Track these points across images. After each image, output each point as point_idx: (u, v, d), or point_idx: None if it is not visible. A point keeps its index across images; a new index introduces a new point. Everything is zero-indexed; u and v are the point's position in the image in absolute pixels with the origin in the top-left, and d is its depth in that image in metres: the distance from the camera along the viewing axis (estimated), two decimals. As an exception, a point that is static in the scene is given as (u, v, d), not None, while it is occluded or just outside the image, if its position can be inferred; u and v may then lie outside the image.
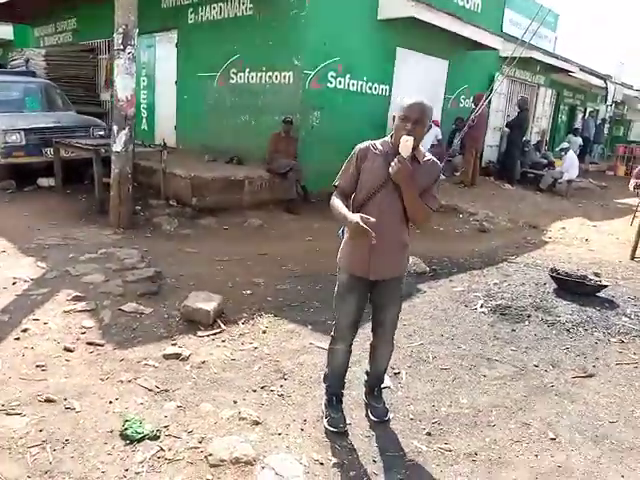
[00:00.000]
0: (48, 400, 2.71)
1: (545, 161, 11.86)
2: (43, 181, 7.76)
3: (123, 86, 5.99)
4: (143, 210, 6.85)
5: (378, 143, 2.52)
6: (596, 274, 5.27)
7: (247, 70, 8.76)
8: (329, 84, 8.35)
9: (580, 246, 6.88)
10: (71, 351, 3.25)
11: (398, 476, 2.32)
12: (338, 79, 8.46)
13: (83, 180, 8.02)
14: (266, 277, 4.83)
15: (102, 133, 8.30)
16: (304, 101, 8.09)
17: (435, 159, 2.53)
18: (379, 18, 8.82)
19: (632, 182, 8.02)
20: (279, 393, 2.93)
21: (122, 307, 3.86)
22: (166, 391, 2.90)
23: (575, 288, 4.61)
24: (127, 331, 3.57)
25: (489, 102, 10.45)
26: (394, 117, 2.43)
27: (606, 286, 4.64)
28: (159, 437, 2.48)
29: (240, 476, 2.24)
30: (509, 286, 4.83)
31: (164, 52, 10.50)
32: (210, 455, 2.34)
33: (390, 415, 2.74)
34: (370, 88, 9.09)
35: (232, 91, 9.07)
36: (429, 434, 2.63)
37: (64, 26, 13.78)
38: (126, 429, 2.49)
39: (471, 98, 11.31)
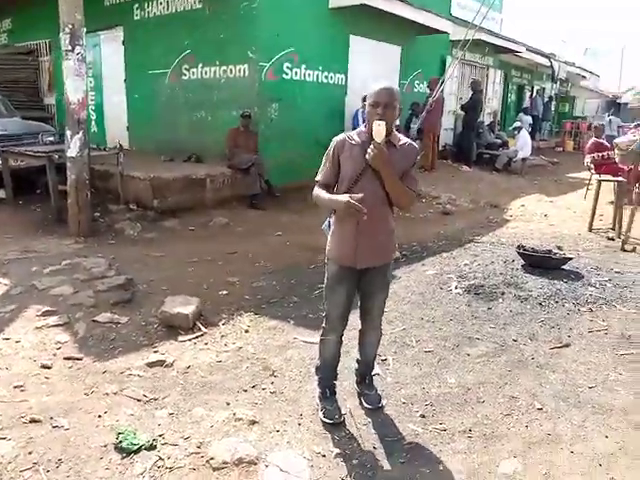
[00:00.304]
0: (33, 420, 2.61)
1: (499, 141, 12.20)
2: (-8, 193, 7.38)
3: (74, 88, 5.77)
4: (103, 216, 6.65)
5: (354, 134, 2.53)
6: (559, 247, 5.47)
7: (200, 65, 8.60)
8: (285, 75, 8.30)
9: (540, 222, 7.14)
10: (49, 368, 3.13)
11: (400, 460, 2.36)
12: (294, 70, 8.42)
13: (35, 189, 7.69)
14: (240, 275, 4.79)
15: (52, 139, 7.97)
16: (261, 94, 8.02)
17: (412, 142, 2.55)
18: (330, 6, 8.82)
19: (587, 157, 8.36)
20: (271, 391, 2.92)
21: (96, 318, 3.75)
22: (155, 399, 2.84)
23: (542, 263, 4.78)
24: (105, 342, 3.47)
25: (436, 85, 10.65)
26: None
27: (571, 258, 4.84)
28: (156, 447, 2.43)
29: (245, 476, 2.23)
30: (479, 266, 4.96)
31: (110, 50, 10.15)
32: (212, 459, 2.31)
33: (383, 401, 2.78)
34: (326, 77, 9.08)
35: (185, 87, 8.88)
36: (423, 416, 2.69)
37: (-3, 27, 13.10)
38: (120, 442, 2.43)
39: (425, 83, 11.48)
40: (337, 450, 2.41)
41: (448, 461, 2.35)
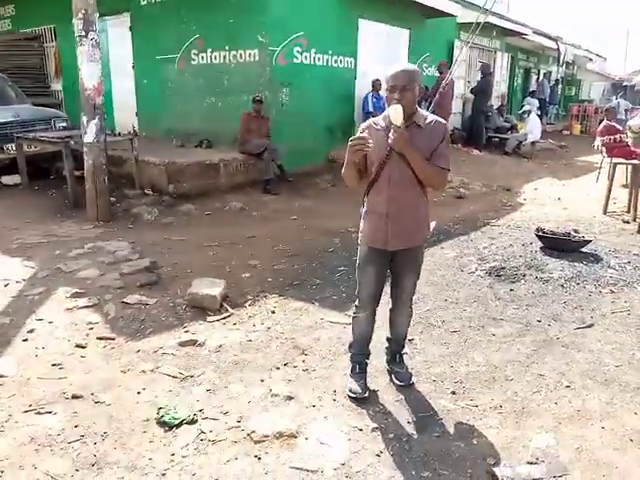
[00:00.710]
0: (75, 396, 2.69)
1: (508, 125, 12.16)
2: (7, 179, 7.42)
3: (89, 74, 5.77)
4: (119, 201, 6.71)
5: (379, 119, 2.55)
6: (575, 230, 5.49)
7: (209, 50, 8.57)
8: (295, 60, 8.28)
9: (554, 205, 7.16)
10: (84, 347, 3.21)
11: (434, 434, 2.43)
12: (304, 54, 8.40)
13: (48, 175, 7.75)
14: (261, 259, 4.84)
15: (64, 125, 8.00)
16: (272, 78, 8.01)
17: (439, 119, 2.54)
18: (339, -10, 8.74)
19: (597, 140, 8.35)
20: (303, 368, 2.99)
21: (125, 299, 3.82)
22: (191, 377, 2.91)
23: (561, 245, 4.82)
24: (135, 322, 3.54)
25: (446, 68, 10.60)
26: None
27: (590, 241, 4.87)
28: (196, 421, 2.50)
29: (286, 449, 2.30)
30: (498, 248, 5.01)
31: (117, 36, 10.08)
32: (253, 432, 2.38)
33: (414, 379, 2.84)
34: (336, 61, 9.05)
35: (195, 73, 8.86)
36: (454, 393, 2.76)
37: (1, 13, 13.00)
38: (162, 416, 2.50)
39: (433, 66, 11.42)
40: (373, 424, 2.48)
41: (481, 436, 2.42)
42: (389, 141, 2.35)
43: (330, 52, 8.85)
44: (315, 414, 2.55)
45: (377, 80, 9.25)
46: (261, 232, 5.80)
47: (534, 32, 14.55)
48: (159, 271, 4.41)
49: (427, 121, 2.47)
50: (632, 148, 8.19)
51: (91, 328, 3.45)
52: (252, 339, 3.37)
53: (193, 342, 3.29)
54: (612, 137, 8.37)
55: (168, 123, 9.31)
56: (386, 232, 2.51)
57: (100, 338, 3.33)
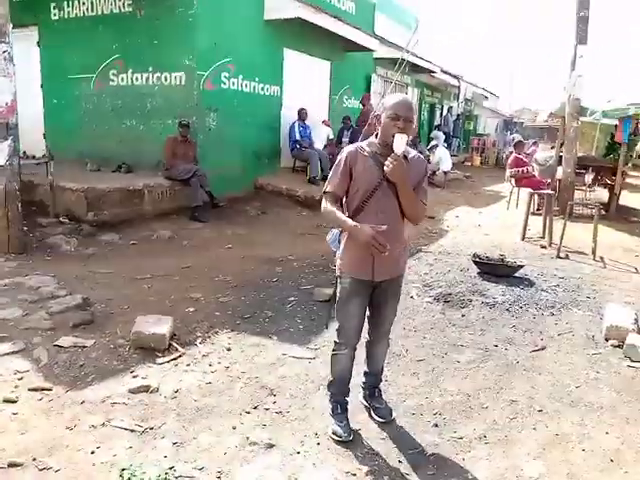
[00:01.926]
0: (13, 464, 2.28)
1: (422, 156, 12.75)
2: None
3: (1, 90, 5.22)
4: (31, 231, 6.04)
5: (364, 145, 2.49)
6: (501, 255, 5.79)
7: (130, 71, 8.16)
8: (223, 85, 8.13)
9: (476, 232, 7.53)
10: (14, 402, 2.77)
11: (428, 472, 2.34)
12: (231, 80, 8.27)
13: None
14: (203, 291, 4.56)
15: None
16: (200, 103, 7.77)
17: (420, 155, 2.57)
18: (265, 18, 8.78)
19: (508, 172, 8.99)
20: (276, 411, 2.78)
21: (58, 342, 3.39)
22: (151, 429, 2.60)
23: (496, 270, 5.04)
24: (74, 369, 3.13)
25: (368, 101, 10.99)
26: (376, 116, 2.44)
27: (523, 266, 5.14)
28: (169, 481, 2.21)
29: (279, 505, 2.09)
30: (438, 274, 5.13)
31: (22, 52, 9.27)
32: (239, 489, 2.14)
33: (394, 413, 2.75)
34: (262, 89, 9.01)
35: (114, 94, 8.38)
36: (436, 425, 2.70)
37: None
38: (129, 479, 2.18)
39: (353, 98, 11.78)
40: (365, 467, 2.34)
41: (474, 469, 2.37)
42: (385, 169, 2.29)
43: (257, 79, 8.80)
44: (302, 462, 2.36)
45: (303, 109, 9.35)
46: (196, 262, 5.49)
47: (441, 70, 15.57)
48: (92, 309, 3.98)
49: (411, 155, 2.46)
50: (539, 178, 8.94)
51: (20, 378, 2.99)
52: (211, 381, 3.10)
53: (146, 388, 2.96)
54: (520, 169, 9.07)
55: (80, 146, 8.64)
56: (372, 263, 2.43)
57: (33, 389, 2.89)
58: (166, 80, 7.85)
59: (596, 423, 2.75)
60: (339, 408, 2.63)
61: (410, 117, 2.35)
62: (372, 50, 11.25)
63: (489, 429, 2.68)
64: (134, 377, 3.08)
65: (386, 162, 2.28)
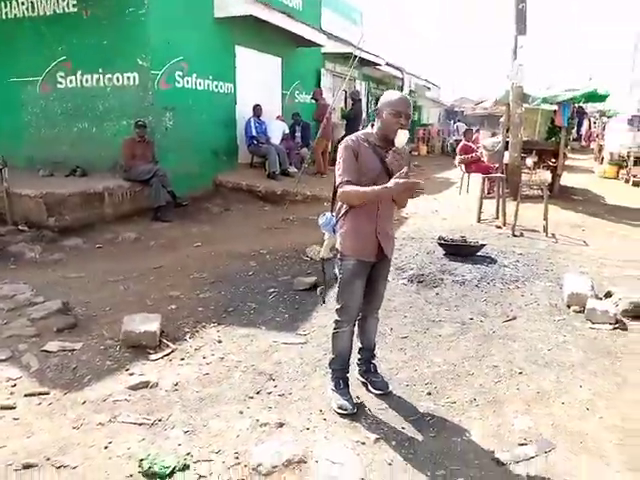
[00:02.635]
0: (28, 466, 2.29)
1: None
2: None
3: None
4: (-12, 240, 5.83)
5: (363, 136, 2.63)
6: (463, 237, 6.11)
7: (79, 73, 7.93)
8: (177, 84, 8.05)
9: (435, 217, 7.85)
10: (13, 408, 2.75)
11: (430, 435, 2.53)
12: (185, 78, 8.21)
13: None
14: (181, 289, 4.58)
15: None
16: (155, 103, 7.67)
17: (405, 147, 2.74)
18: (216, 16, 8.75)
19: (457, 158, 9.39)
20: (278, 394, 2.90)
21: (45, 348, 3.36)
22: (160, 420, 2.66)
23: (461, 251, 5.33)
24: (67, 372, 3.13)
25: (321, 95, 11.15)
26: (377, 112, 2.59)
27: (485, 245, 5.46)
28: (189, 466, 2.29)
29: (299, 476, 2.22)
30: (407, 258, 5.36)
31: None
32: (259, 465, 2.25)
33: (390, 386, 2.92)
34: (216, 86, 8.99)
35: (63, 97, 8.12)
36: (429, 394, 2.90)
37: None
38: (150, 467, 2.25)
39: (303, 94, 11.91)
40: (373, 435, 2.50)
41: (470, 428, 2.58)
42: (387, 160, 2.45)
43: (210, 77, 8.76)
44: (313, 436, 2.50)
45: (258, 105, 9.39)
46: (168, 262, 5.48)
47: (386, 63, 15.94)
48: (73, 312, 3.94)
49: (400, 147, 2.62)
50: (487, 164, 9.39)
51: (14, 385, 2.97)
52: (209, 372, 3.17)
53: (145, 384, 3.00)
54: (469, 155, 9.50)
55: (28, 151, 8.35)
56: (376, 244, 2.61)
57: (30, 394, 2.87)
58: (118, 81, 7.70)
59: (570, 379, 3.04)
60: (342, 383, 2.79)
61: (410, 114, 2.55)
62: (321, 45, 11.41)
63: (478, 393, 2.90)
64: (130, 375, 3.11)
65: (389, 154, 2.46)
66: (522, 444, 2.45)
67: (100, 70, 7.77)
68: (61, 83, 8.07)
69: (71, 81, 8.01)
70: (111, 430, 2.58)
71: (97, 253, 5.92)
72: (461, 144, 9.66)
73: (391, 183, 2.37)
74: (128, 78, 7.65)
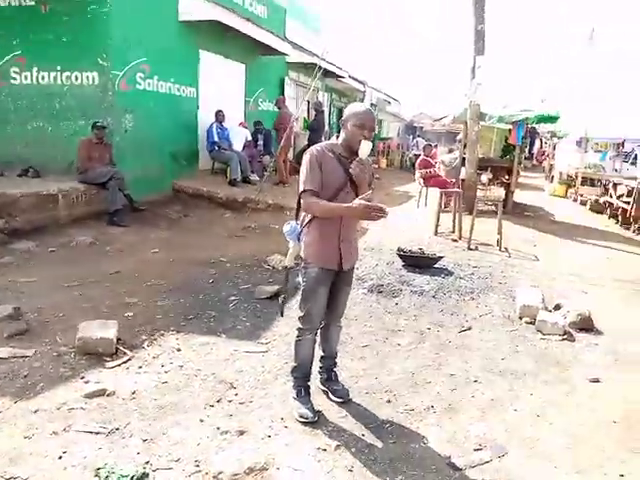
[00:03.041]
0: (-26, 479, 2.19)
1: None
2: None
3: None
4: None
5: (327, 146, 2.68)
6: (420, 249, 6.26)
7: (35, 69, 7.67)
8: (138, 85, 7.93)
9: (393, 229, 7.97)
10: (-42, 418, 2.62)
11: (390, 441, 2.58)
12: (147, 81, 8.09)
13: None
14: (138, 296, 4.49)
15: None
16: (115, 104, 7.51)
17: (369, 158, 2.82)
18: (180, 19, 8.68)
19: (417, 172, 9.62)
20: (239, 401, 2.88)
21: (-6, 354, 3.21)
22: (117, 429, 2.59)
23: (419, 262, 5.46)
24: (18, 379, 3.01)
25: (284, 103, 11.20)
26: (343, 123, 2.65)
27: (442, 257, 5.61)
28: (148, 475, 2.25)
29: (261, 484, 2.22)
30: (367, 268, 5.44)
31: None
32: (220, 473, 2.24)
33: (350, 394, 2.96)
34: (179, 90, 8.90)
35: (16, 94, 7.82)
36: (389, 401, 2.95)
37: None
38: (107, 477, 2.20)
39: (267, 101, 11.94)
40: (334, 442, 2.52)
41: (428, 434, 2.65)
42: (351, 170, 2.50)
43: (173, 80, 8.66)
44: (275, 443, 2.50)
45: (220, 111, 9.35)
46: (124, 267, 5.35)
47: (349, 76, 16.19)
48: (24, 318, 3.79)
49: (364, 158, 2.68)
50: (444, 178, 9.67)
51: (-41, 393, 2.82)
52: (167, 380, 3.12)
53: (102, 392, 2.92)
54: (428, 170, 9.76)
55: (-23, 150, 7.98)
56: (339, 254, 2.64)
57: (-24, 403, 2.75)
58: (77, 80, 7.50)
59: (522, 387, 3.17)
60: (303, 391, 2.81)
61: (374, 127, 2.62)
62: (285, 54, 11.48)
63: (435, 400, 2.98)
64: (86, 383, 3.03)
65: (352, 165, 2.52)
66: (477, 449, 2.53)
67: (58, 68, 7.54)
68: (15, 79, 7.77)
69: (26, 77, 7.73)
70: (66, 439, 2.50)
71: (50, 257, 5.70)
72: (420, 158, 9.91)
73: (355, 203, 2.43)
74: (87, 77, 7.46)
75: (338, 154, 2.63)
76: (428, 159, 9.88)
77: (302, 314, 2.77)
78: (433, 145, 15.44)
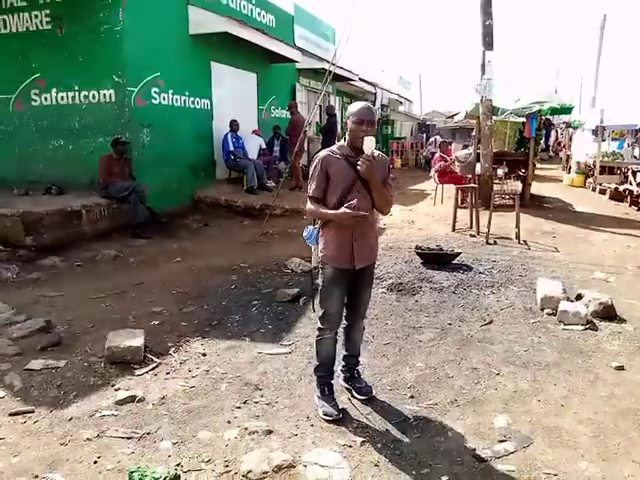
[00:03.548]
0: (17, 484, 2.29)
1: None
2: None
3: None
4: (-38, 261, 5.75)
5: (335, 149, 2.75)
6: (438, 246, 6.27)
7: (54, 90, 7.93)
8: (154, 100, 8.11)
9: (411, 227, 8.01)
10: (-4, 428, 2.74)
11: (415, 435, 2.62)
12: (162, 95, 8.26)
13: None
14: (163, 304, 4.61)
15: None
16: (132, 119, 7.70)
17: (383, 153, 2.87)
18: (190, 33, 8.85)
19: (433, 170, 9.61)
20: (265, 402, 2.95)
21: (28, 366, 3.35)
22: (148, 434, 2.68)
23: (437, 259, 5.47)
24: (52, 389, 3.13)
25: (296, 108, 11.30)
26: (345, 124, 2.71)
27: (460, 253, 5.61)
28: (179, 476, 2.33)
29: (289, 479, 2.28)
30: (386, 267, 5.47)
31: None
32: (249, 472, 2.30)
33: (374, 391, 3.01)
34: (193, 103, 9.06)
35: (37, 114, 8.10)
36: (412, 397, 2.99)
37: None
38: (141, 479, 2.28)
39: (279, 108, 12.06)
40: (360, 439, 2.57)
41: (452, 428, 2.68)
42: (358, 168, 2.55)
43: (187, 93, 8.83)
44: (301, 442, 2.56)
45: (234, 121, 9.48)
46: (149, 278, 5.49)
47: (359, 79, 16.24)
48: (56, 330, 3.93)
49: (376, 154, 2.73)
50: (460, 175, 9.63)
51: (-3, 405, 2.95)
52: (195, 385, 3.21)
53: (132, 398, 3.02)
54: (443, 163, 9.74)
55: (2, 171, 8.26)
56: (352, 253, 2.69)
57: (14, 414, 2.87)
58: (94, 98, 7.72)
59: (545, 378, 3.17)
60: (327, 390, 2.86)
61: (372, 120, 2.64)
62: (295, 61, 11.59)
63: (458, 394, 3.01)
64: (117, 390, 3.13)
65: (358, 162, 2.56)
66: (502, 440, 2.55)
67: (75, 87, 7.78)
68: (35, 100, 8.05)
69: (46, 99, 8.00)
70: (99, 445, 2.60)
71: (76, 271, 5.88)
72: (436, 156, 9.89)
73: (340, 211, 2.58)
74: (104, 95, 7.67)
75: (345, 155, 2.68)
76: (444, 156, 9.86)
77: (321, 314, 2.83)
78: (448, 142, 15.43)
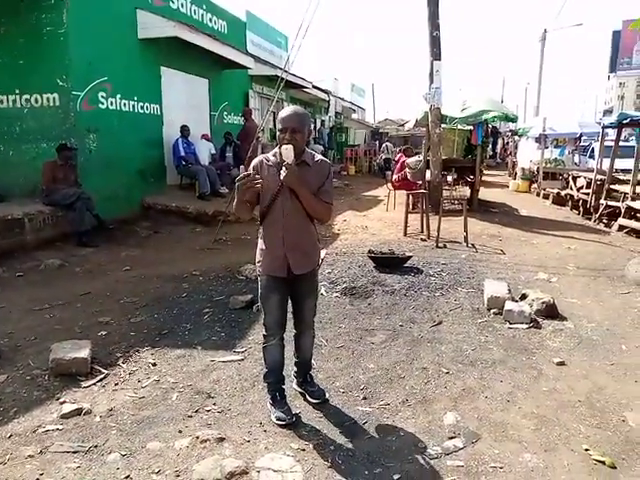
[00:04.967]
0: (-49, 507, 2.17)
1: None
2: None
3: None
4: None
5: (270, 155, 2.73)
6: (390, 250, 6.38)
7: (-8, 93, 7.57)
8: (101, 105, 7.89)
9: (364, 232, 8.12)
10: None
11: (366, 437, 2.65)
12: (109, 100, 8.06)
13: None
14: (111, 314, 4.48)
15: None
16: (77, 124, 7.46)
17: (324, 159, 2.80)
18: (140, 37, 8.68)
19: (395, 176, 9.78)
20: (218, 411, 2.91)
21: (-36, 382, 3.17)
22: (95, 447, 2.60)
23: (389, 262, 5.57)
24: (-9, 405, 2.97)
25: (250, 115, 11.29)
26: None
27: (411, 257, 5.74)
28: (128, 489, 2.27)
29: (242, 487, 2.25)
30: (340, 272, 5.52)
31: None
32: (201, 481, 2.27)
33: (327, 394, 3.02)
34: (142, 107, 8.88)
35: (-26, 118, 7.70)
36: (365, 398, 3.02)
37: None
38: (87, 495, 2.20)
39: (232, 114, 11.99)
40: (312, 443, 2.57)
41: (404, 427, 2.72)
42: (281, 177, 2.54)
43: (136, 98, 8.65)
44: (254, 448, 2.54)
45: (185, 126, 9.36)
46: (95, 287, 5.32)
47: (313, 86, 16.36)
48: (-5, 344, 3.74)
49: (315, 160, 2.71)
50: (411, 180, 9.84)
51: None
52: (144, 395, 3.13)
53: (78, 411, 2.92)
54: (400, 173, 9.94)
55: None
56: (284, 260, 2.68)
57: (-53, 435, 2.71)
58: (37, 102, 7.43)
59: (492, 375, 3.28)
60: (278, 396, 2.85)
61: (296, 127, 2.55)
62: (247, 67, 11.56)
63: (409, 394, 3.07)
64: (62, 403, 3.01)
65: (282, 170, 2.54)
66: (451, 437, 2.62)
67: (17, 90, 7.47)
68: (-28, 104, 7.66)
69: (-17, 102, 7.63)
70: (42, 461, 2.49)
71: (19, 281, 5.62)
72: (401, 161, 10.06)
73: (238, 183, 2.55)
74: (47, 99, 7.41)
75: (277, 162, 2.63)
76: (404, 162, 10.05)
77: (263, 321, 2.82)
78: (398, 149, 15.73)
